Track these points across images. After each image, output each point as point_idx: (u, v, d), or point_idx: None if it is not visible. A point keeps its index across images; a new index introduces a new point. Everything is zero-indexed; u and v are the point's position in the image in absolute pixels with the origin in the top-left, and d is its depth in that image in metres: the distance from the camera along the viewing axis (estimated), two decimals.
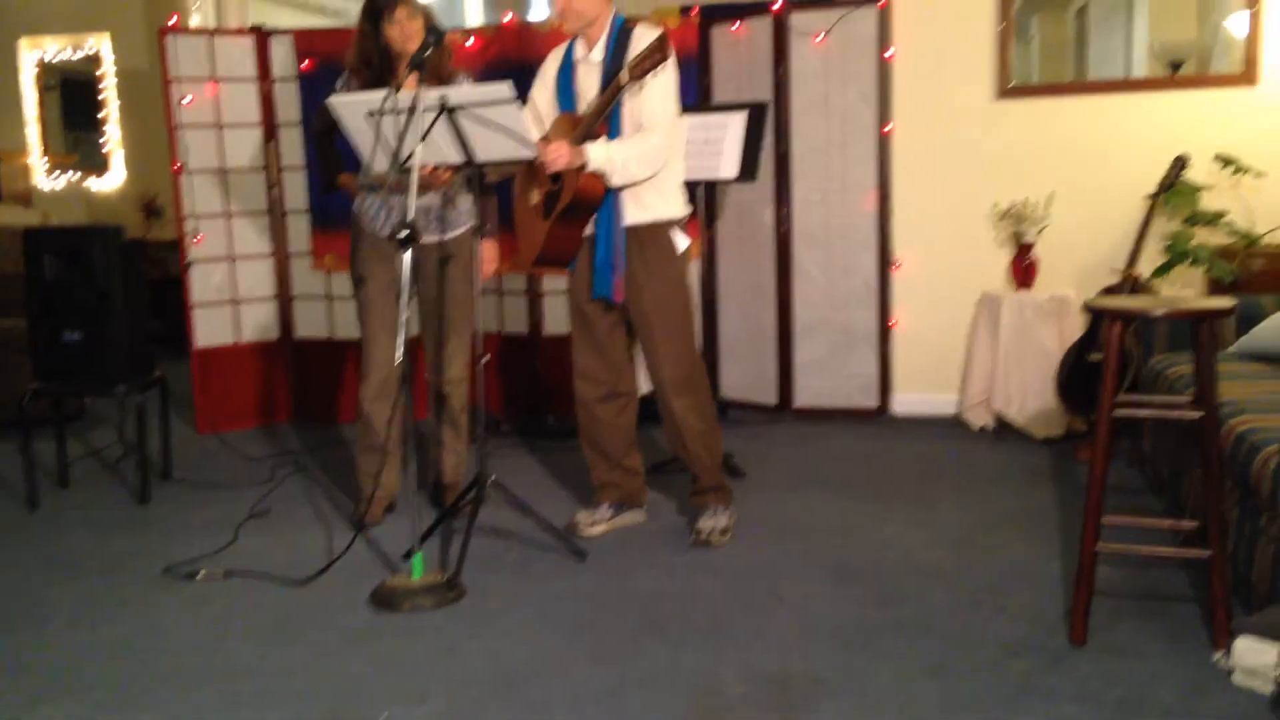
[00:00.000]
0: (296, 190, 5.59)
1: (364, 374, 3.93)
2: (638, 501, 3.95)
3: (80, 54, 9.73)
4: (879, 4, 5.24)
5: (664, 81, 3.46)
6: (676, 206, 3.64)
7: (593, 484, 3.92)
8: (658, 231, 3.60)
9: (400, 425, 3.65)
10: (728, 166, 4.54)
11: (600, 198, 3.49)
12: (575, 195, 3.44)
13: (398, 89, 3.28)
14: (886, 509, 4.04)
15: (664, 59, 3.32)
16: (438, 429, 4.08)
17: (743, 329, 5.67)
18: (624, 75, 3.34)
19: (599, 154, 3.41)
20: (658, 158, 3.49)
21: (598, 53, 3.56)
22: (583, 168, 3.42)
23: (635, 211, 3.56)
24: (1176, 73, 5.15)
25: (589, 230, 3.61)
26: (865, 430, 5.25)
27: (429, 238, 3.90)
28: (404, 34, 3.75)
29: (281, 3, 10.87)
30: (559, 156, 3.37)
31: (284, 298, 5.69)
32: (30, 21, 9.68)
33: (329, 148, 4.00)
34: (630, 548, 3.67)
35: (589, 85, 3.58)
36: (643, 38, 3.47)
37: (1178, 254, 4.76)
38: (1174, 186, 4.77)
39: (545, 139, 3.50)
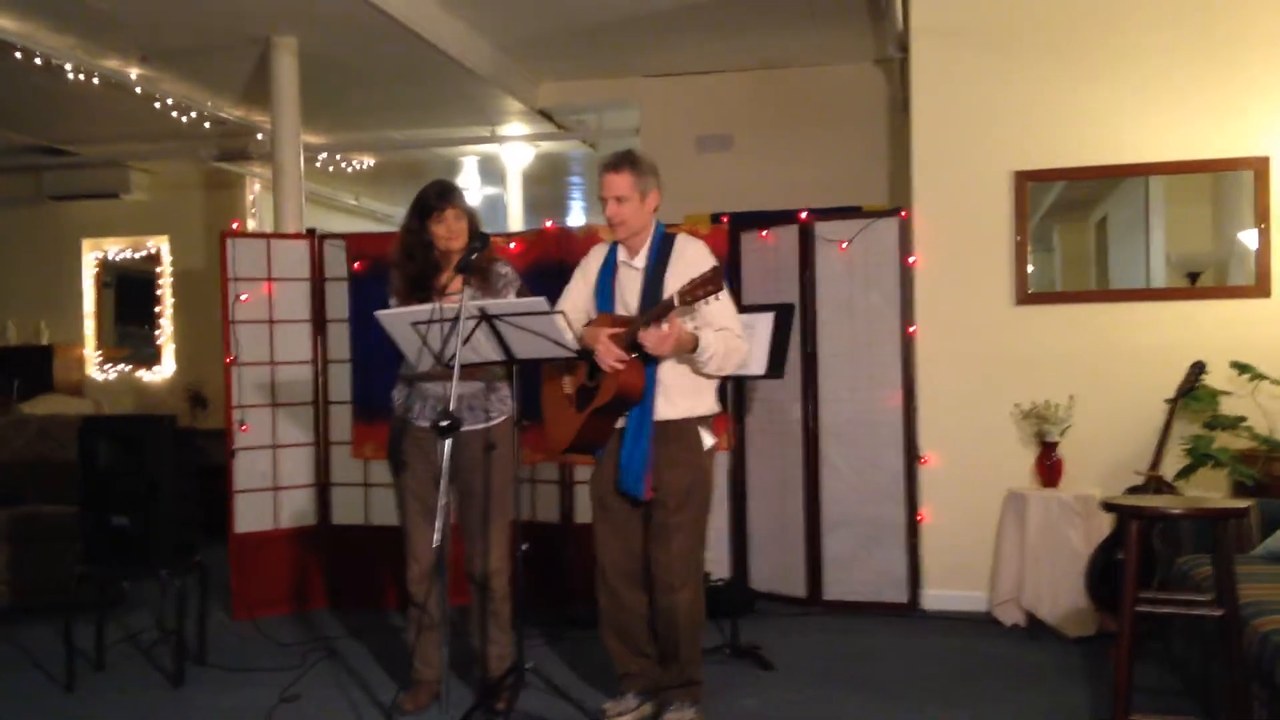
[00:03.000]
0: (341, 382, 5.80)
1: (409, 560, 4.01)
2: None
3: (140, 254, 10.25)
4: (900, 215, 5.52)
5: (726, 298, 3.61)
6: (706, 404, 3.79)
7: (617, 674, 3.91)
8: (685, 427, 3.73)
9: (441, 607, 3.72)
10: (756, 363, 4.71)
11: (639, 395, 3.61)
12: (618, 392, 3.56)
13: (443, 291, 3.48)
14: (916, 710, 4.02)
15: (716, 291, 3.41)
16: (482, 622, 4.03)
17: (771, 521, 5.74)
18: (676, 299, 3.45)
19: (710, 339, 3.59)
20: (744, 358, 3.78)
21: (640, 260, 3.76)
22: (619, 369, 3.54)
23: (666, 409, 3.69)
24: (1194, 283, 5.33)
25: (620, 423, 3.73)
26: (896, 625, 5.23)
27: (470, 426, 3.89)
28: (449, 232, 3.89)
29: (334, 208, 11.46)
30: (665, 338, 3.47)
31: (323, 484, 5.84)
32: (96, 224, 10.26)
33: None
34: None
35: (629, 289, 3.76)
36: (685, 250, 3.68)
37: (1199, 457, 4.83)
38: (1193, 391, 4.87)
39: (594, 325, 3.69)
